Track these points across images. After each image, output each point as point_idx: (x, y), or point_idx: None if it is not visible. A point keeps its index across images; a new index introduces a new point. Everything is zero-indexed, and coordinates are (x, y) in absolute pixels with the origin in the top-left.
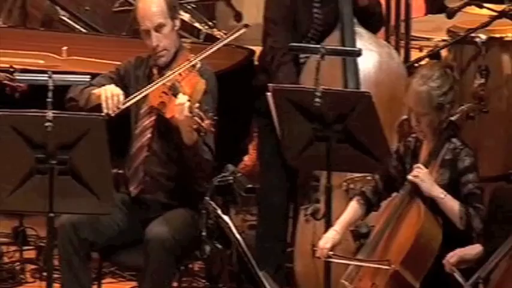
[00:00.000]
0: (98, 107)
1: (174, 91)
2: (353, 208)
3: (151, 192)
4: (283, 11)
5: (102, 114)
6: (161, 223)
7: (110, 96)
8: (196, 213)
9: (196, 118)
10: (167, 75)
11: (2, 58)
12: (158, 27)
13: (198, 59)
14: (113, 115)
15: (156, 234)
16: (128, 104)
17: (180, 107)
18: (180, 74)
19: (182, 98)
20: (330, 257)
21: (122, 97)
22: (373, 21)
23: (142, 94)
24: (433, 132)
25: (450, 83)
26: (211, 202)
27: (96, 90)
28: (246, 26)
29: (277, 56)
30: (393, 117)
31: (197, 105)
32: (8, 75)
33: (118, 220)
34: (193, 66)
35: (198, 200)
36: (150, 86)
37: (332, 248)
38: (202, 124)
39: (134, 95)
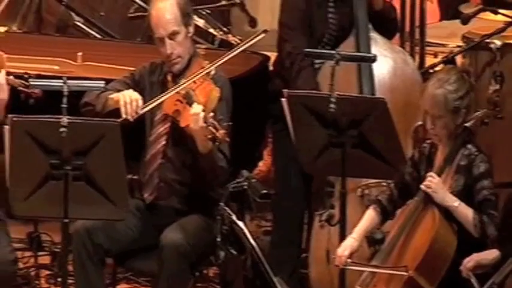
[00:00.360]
0: (114, 112)
1: (188, 100)
2: (370, 216)
3: (166, 198)
4: (300, 16)
5: (118, 120)
6: (176, 229)
7: (129, 101)
8: (210, 219)
9: (211, 128)
10: (182, 83)
11: (17, 64)
12: (172, 35)
13: (213, 66)
14: (131, 120)
15: (170, 240)
16: (146, 110)
17: (195, 116)
18: (194, 82)
19: (197, 108)
20: (348, 264)
21: (140, 102)
22: (388, 27)
23: (161, 100)
24: (448, 137)
25: (467, 88)
26: (226, 208)
27: (114, 95)
28: (265, 31)
29: (296, 61)
30: (408, 123)
31: (212, 114)
32: (22, 81)
33: (132, 226)
34: (208, 73)
35: (212, 206)
36: (166, 92)
37: (350, 256)
38: (217, 134)
39: (152, 100)
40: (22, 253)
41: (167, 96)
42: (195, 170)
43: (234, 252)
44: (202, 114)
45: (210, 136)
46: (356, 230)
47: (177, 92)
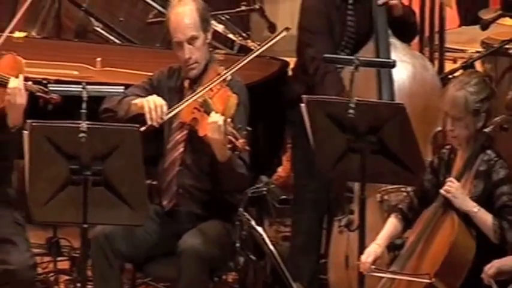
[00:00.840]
0: (134, 117)
1: (206, 108)
2: (392, 223)
3: (185, 204)
4: (321, 19)
5: (143, 127)
6: (195, 235)
7: (154, 107)
8: (229, 224)
9: (230, 137)
10: (199, 90)
11: (36, 69)
12: (191, 40)
13: (230, 72)
14: (157, 126)
15: (189, 246)
16: (170, 115)
17: (213, 125)
18: (211, 89)
19: (215, 117)
20: (372, 271)
21: (165, 108)
22: (407, 31)
23: (183, 106)
24: (467, 141)
25: (488, 91)
26: (245, 213)
27: (138, 101)
28: (287, 29)
29: (321, 66)
30: (427, 128)
31: (229, 121)
32: (41, 87)
33: (152, 231)
34: (224, 79)
35: (231, 212)
36: (186, 99)
37: (374, 262)
38: (237, 144)
39: (175, 106)
40: (41, 258)
41: (187, 103)
42: (214, 176)
43: (253, 257)
44: (221, 122)
45: (229, 146)
46: (380, 237)
47: (194, 100)
